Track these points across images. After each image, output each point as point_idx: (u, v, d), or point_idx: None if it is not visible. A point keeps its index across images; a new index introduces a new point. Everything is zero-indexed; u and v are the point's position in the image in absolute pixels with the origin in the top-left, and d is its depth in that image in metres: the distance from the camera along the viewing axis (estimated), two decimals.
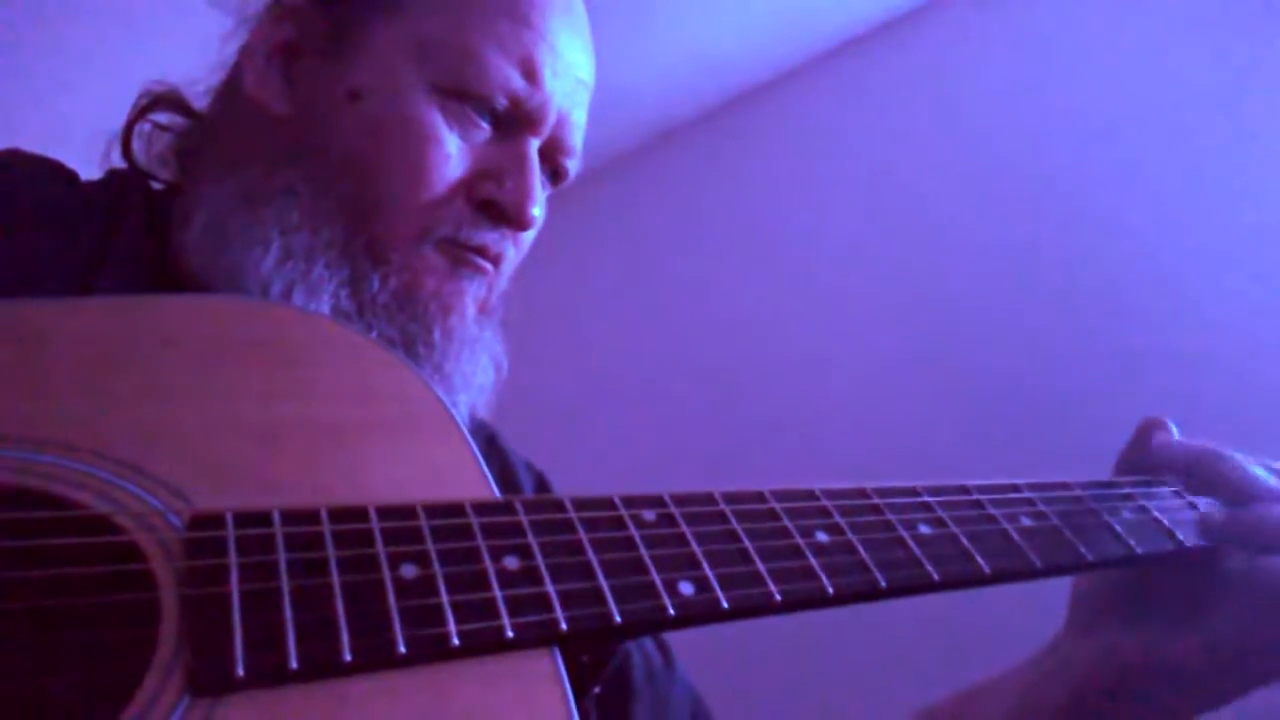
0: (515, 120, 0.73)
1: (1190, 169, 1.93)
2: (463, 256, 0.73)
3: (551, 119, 0.75)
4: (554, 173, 0.80)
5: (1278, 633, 0.59)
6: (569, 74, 0.75)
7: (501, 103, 0.72)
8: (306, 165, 0.71)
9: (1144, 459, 0.70)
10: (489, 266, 0.75)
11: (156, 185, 0.78)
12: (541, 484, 0.90)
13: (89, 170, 0.75)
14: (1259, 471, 0.65)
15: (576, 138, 0.79)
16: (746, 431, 2.41)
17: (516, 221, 0.73)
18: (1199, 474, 0.67)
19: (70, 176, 0.74)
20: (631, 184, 3.00)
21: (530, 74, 0.72)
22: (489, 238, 0.73)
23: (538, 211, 0.74)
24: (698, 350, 2.62)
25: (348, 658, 0.39)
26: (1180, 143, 1.96)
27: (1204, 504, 0.65)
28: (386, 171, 0.70)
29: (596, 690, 0.50)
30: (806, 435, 2.30)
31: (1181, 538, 0.62)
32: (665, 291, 2.79)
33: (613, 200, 2.99)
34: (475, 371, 0.75)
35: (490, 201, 0.72)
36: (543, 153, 0.76)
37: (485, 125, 0.72)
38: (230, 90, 0.77)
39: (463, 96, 0.71)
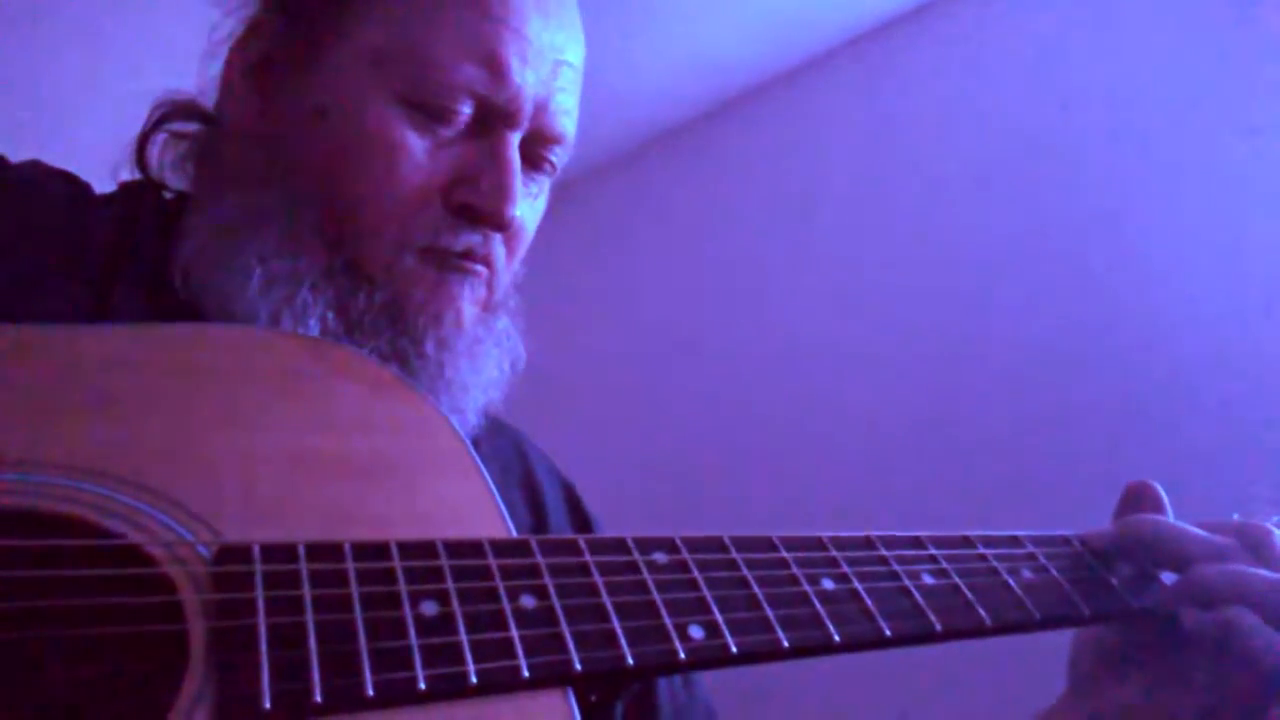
0: (488, 117, 0.70)
1: (1195, 167, 1.92)
2: (448, 263, 0.71)
3: (527, 110, 0.71)
4: (541, 164, 0.77)
5: (1245, 693, 0.59)
6: (543, 59, 0.72)
7: (467, 102, 0.69)
8: (284, 185, 0.70)
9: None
10: (480, 268, 0.73)
11: (168, 194, 0.78)
12: (569, 494, 0.90)
13: (102, 184, 0.76)
14: (1194, 531, 0.64)
15: (563, 124, 0.75)
16: (745, 432, 2.43)
17: (494, 223, 0.71)
18: (1135, 555, 0.66)
19: (85, 188, 0.74)
20: (631, 184, 2.99)
21: (495, 68, 0.69)
22: (473, 240, 0.71)
23: (518, 211, 0.71)
24: (697, 350, 2.63)
25: (370, 693, 0.40)
26: (1185, 142, 1.95)
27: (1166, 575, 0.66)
28: (356, 187, 0.69)
29: None
30: (805, 435, 2.31)
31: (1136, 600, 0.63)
32: (664, 292, 2.79)
33: (612, 200, 2.99)
34: (483, 372, 0.74)
35: (467, 205, 0.70)
36: (525, 145, 0.73)
37: (454, 128, 0.70)
38: (219, 107, 0.76)
39: (425, 102, 0.69)
